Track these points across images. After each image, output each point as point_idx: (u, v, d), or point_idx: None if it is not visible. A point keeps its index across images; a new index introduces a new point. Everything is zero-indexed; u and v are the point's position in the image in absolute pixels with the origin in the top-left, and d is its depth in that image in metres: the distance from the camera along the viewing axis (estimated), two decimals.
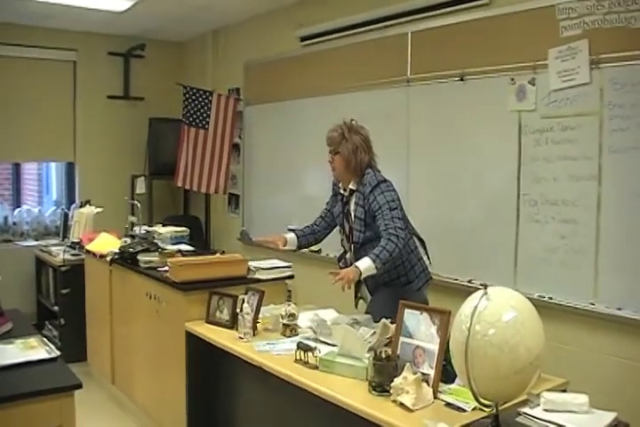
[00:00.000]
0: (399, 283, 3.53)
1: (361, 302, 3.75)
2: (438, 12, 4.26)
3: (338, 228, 3.74)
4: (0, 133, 6.44)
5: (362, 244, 3.51)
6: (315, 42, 5.40)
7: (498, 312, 1.92)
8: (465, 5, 4.10)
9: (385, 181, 3.47)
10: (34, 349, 2.75)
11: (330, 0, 5.26)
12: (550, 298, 3.57)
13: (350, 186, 3.56)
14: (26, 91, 6.61)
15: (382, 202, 3.37)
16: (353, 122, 3.57)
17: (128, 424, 4.38)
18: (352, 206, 3.57)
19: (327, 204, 3.84)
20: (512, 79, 3.77)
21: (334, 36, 5.16)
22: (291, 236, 3.82)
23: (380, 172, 3.54)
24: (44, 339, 2.94)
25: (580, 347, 3.50)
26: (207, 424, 3.62)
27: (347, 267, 3.40)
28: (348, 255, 3.64)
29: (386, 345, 2.73)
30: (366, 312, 3.42)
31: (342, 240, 3.69)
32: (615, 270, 3.32)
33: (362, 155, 3.48)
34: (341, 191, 3.65)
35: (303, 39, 5.53)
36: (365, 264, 3.20)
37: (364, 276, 3.22)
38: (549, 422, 2.01)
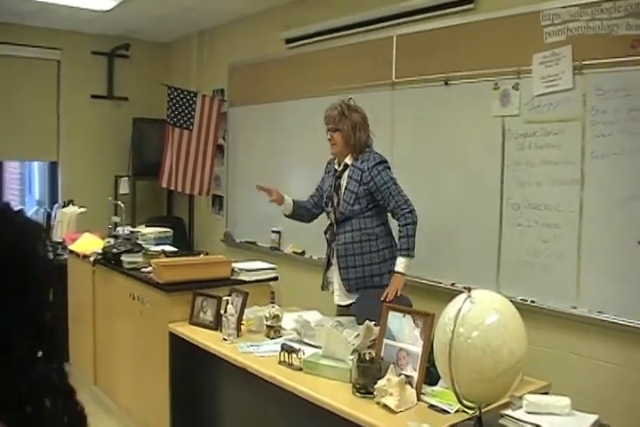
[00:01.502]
0: (373, 282, 3.62)
1: (331, 288, 3.81)
2: (424, 16, 4.29)
3: (325, 201, 3.84)
4: None
5: (347, 217, 3.65)
6: (300, 44, 5.41)
7: (481, 315, 1.94)
8: (450, 10, 4.12)
9: (386, 161, 3.66)
10: None
11: (315, 2, 5.27)
12: (532, 301, 3.60)
13: (346, 160, 3.70)
14: (9, 89, 6.56)
15: (387, 178, 3.57)
16: (351, 101, 3.75)
17: (110, 426, 4.36)
18: (344, 180, 3.70)
19: (318, 185, 3.98)
20: (496, 84, 3.80)
21: (319, 38, 5.18)
22: (288, 199, 3.95)
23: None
24: None
25: (562, 350, 3.53)
26: (190, 425, 3.61)
27: (332, 239, 3.72)
28: (334, 227, 3.75)
29: (369, 347, 2.75)
30: (350, 314, 3.45)
31: (329, 213, 3.80)
32: (597, 274, 3.35)
33: (360, 132, 3.65)
34: (335, 166, 3.78)
35: (288, 41, 5.54)
36: (401, 264, 3.49)
37: (405, 272, 3.50)
38: (532, 424, 2.03)
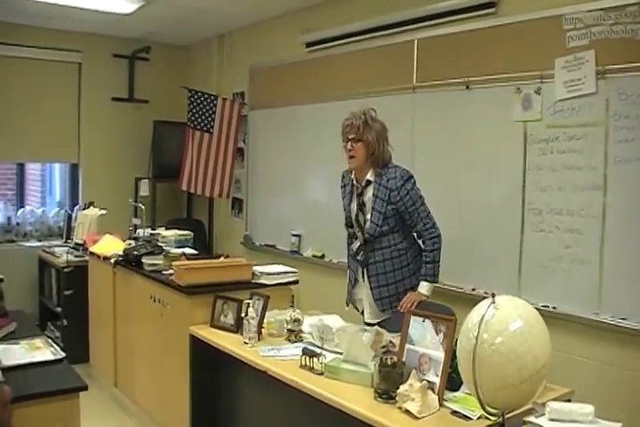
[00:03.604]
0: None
1: (359, 306, 3.75)
2: (445, 19, 4.28)
3: (347, 221, 3.70)
4: (5, 133, 6.45)
5: (374, 239, 3.54)
6: (320, 48, 5.42)
7: (505, 321, 1.94)
8: (472, 14, 4.11)
9: (413, 176, 3.53)
10: (39, 350, 2.78)
11: (336, 6, 5.27)
12: (554, 307, 3.58)
13: (368, 177, 3.55)
14: (31, 91, 6.62)
15: (415, 197, 3.48)
16: (372, 111, 3.57)
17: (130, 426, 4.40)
18: (368, 198, 3.55)
19: (343, 205, 3.77)
20: (518, 88, 3.79)
21: (340, 42, 5.17)
22: None
23: None
24: (50, 340, 2.96)
25: (585, 357, 3.51)
26: None
27: (362, 260, 3.60)
28: (363, 247, 3.62)
29: (384, 353, 2.74)
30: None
31: (354, 233, 3.67)
32: (619, 280, 3.33)
33: (384, 144, 3.52)
34: (354, 182, 3.63)
35: (308, 45, 5.54)
36: (425, 288, 3.45)
37: (428, 295, 3.45)
38: None
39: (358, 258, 3.65)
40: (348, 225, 3.69)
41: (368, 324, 3.54)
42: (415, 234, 3.57)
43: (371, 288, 3.60)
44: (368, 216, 3.55)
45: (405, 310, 3.23)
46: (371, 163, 3.53)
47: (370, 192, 3.55)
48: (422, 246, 3.54)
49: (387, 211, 3.48)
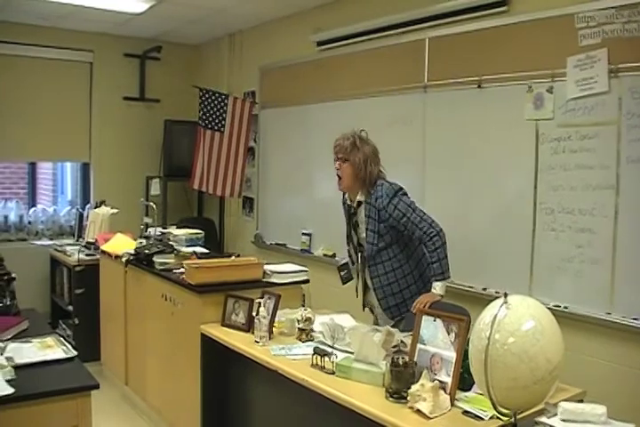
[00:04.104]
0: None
1: (374, 311, 3.80)
2: (456, 18, 4.26)
3: (346, 240, 3.81)
4: (16, 133, 6.48)
5: (374, 255, 3.58)
6: (331, 47, 5.41)
7: (518, 321, 1.93)
8: (483, 12, 4.09)
9: (401, 189, 3.54)
10: (51, 348, 2.78)
11: (347, 5, 5.27)
12: (566, 307, 3.56)
13: (358, 197, 3.61)
14: (42, 91, 6.65)
15: (404, 209, 3.47)
16: (363, 132, 3.63)
17: (141, 425, 4.40)
18: (361, 218, 3.62)
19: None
20: (530, 87, 3.77)
21: (351, 41, 5.17)
22: None
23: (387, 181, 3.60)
24: (61, 338, 2.97)
25: (596, 357, 3.49)
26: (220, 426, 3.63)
27: (363, 269, 3.67)
28: (355, 265, 3.75)
29: (395, 353, 2.73)
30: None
31: (349, 250, 3.79)
32: (632, 280, 3.31)
33: (371, 166, 3.55)
34: (348, 202, 3.71)
35: (319, 44, 5.54)
36: (438, 287, 3.41)
37: (443, 294, 3.41)
38: None
39: (342, 275, 3.83)
40: (347, 242, 3.80)
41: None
42: (417, 241, 3.57)
43: (378, 299, 3.65)
44: (363, 235, 3.62)
45: (418, 310, 3.22)
46: (359, 184, 3.59)
47: (362, 213, 3.61)
48: (425, 250, 3.54)
49: (380, 229, 3.53)
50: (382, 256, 3.57)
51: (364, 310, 3.82)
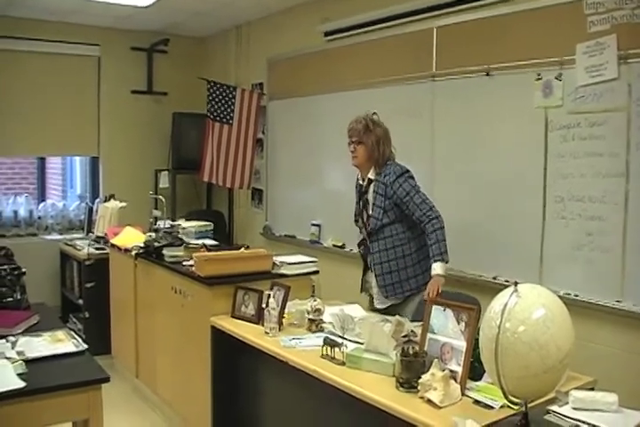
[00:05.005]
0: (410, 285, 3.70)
1: (371, 292, 3.88)
2: (464, 6, 4.23)
3: (355, 218, 3.92)
4: (25, 128, 6.50)
5: (377, 230, 3.70)
6: (339, 37, 5.38)
7: (528, 309, 1.91)
8: (491, 0, 4.06)
9: (408, 171, 3.69)
10: (61, 342, 2.79)
11: None
12: (576, 296, 3.54)
13: (370, 175, 3.75)
14: (50, 86, 6.66)
15: (408, 188, 3.61)
16: (375, 115, 3.79)
17: (152, 418, 4.42)
18: (370, 195, 3.75)
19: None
20: (538, 74, 3.74)
21: (358, 31, 5.14)
22: None
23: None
24: (72, 332, 2.98)
25: (607, 345, 3.47)
26: (231, 418, 3.64)
27: (367, 252, 3.81)
28: (367, 242, 3.83)
29: (405, 343, 2.73)
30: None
31: (360, 228, 3.88)
32: None
33: (384, 146, 3.71)
34: (359, 181, 3.85)
35: (327, 34, 5.51)
36: (438, 268, 3.47)
37: (444, 274, 3.49)
38: (579, 420, 2.01)
39: (360, 251, 3.90)
40: (356, 220, 3.90)
41: (375, 310, 3.75)
42: (417, 222, 3.62)
43: (375, 275, 3.74)
44: (370, 211, 3.74)
45: (432, 298, 3.24)
46: (371, 163, 3.75)
47: (372, 189, 3.74)
48: (425, 232, 3.58)
49: (385, 205, 3.67)
50: (385, 232, 3.69)
51: (361, 291, 3.91)
